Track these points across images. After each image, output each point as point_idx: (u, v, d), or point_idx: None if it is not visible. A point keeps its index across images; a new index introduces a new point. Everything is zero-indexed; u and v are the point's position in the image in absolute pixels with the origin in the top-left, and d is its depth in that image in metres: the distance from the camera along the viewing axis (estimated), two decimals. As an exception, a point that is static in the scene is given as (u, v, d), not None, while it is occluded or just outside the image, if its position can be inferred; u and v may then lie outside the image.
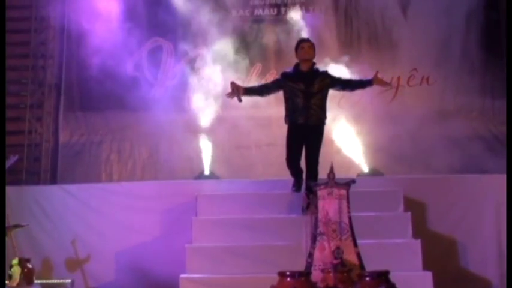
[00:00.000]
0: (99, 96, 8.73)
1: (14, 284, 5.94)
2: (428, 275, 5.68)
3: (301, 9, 8.68)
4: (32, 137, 8.81)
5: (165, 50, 8.95)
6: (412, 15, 8.88)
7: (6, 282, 5.95)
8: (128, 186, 7.42)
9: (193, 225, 6.34)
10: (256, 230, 6.19)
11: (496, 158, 7.83)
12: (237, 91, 6.40)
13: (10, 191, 6.67)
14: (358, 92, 7.30)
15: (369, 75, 6.65)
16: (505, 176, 5.83)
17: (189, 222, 6.38)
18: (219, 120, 8.44)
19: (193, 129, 8.38)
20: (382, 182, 7.06)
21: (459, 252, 6.74)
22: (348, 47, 8.80)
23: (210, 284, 5.82)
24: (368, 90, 7.21)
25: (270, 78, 8.22)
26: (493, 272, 6.64)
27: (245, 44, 8.77)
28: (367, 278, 4.45)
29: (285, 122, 6.49)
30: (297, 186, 6.47)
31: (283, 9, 8.65)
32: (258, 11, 9.02)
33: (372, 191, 6.64)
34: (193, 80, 8.56)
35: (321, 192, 5.16)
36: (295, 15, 8.54)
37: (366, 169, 8.02)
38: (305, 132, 6.34)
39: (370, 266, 4.92)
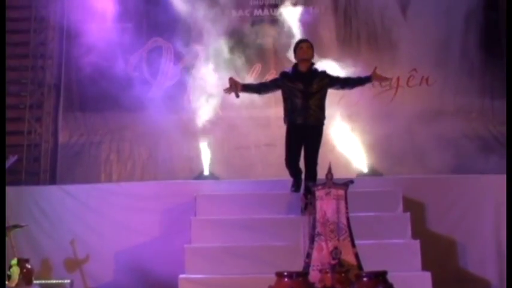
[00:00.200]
0: (98, 97, 8.71)
1: (13, 284, 5.91)
2: (427, 275, 5.68)
3: (301, 9, 8.66)
4: (32, 137, 8.81)
5: (165, 50, 8.94)
6: (412, 16, 8.87)
7: (6, 282, 5.94)
8: (127, 187, 7.41)
9: (192, 226, 6.33)
10: (255, 231, 6.17)
11: (496, 158, 7.82)
12: (235, 87, 6.40)
13: (9, 191, 6.63)
14: (358, 93, 7.28)
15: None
16: (504, 176, 5.80)
17: (188, 223, 6.37)
18: (218, 121, 8.45)
19: (193, 130, 8.37)
20: (382, 182, 7.05)
21: (458, 252, 6.72)
22: (348, 47, 8.80)
23: (209, 284, 5.81)
24: (368, 90, 7.23)
25: (269, 78, 8.17)
26: (493, 272, 6.63)
27: (244, 44, 8.74)
28: (365, 279, 4.46)
29: (284, 122, 6.49)
30: (296, 186, 6.48)
31: (282, 9, 8.62)
32: (257, 11, 9.01)
33: (371, 191, 6.63)
34: (192, 81, 8.56)
35: (319, 193, 5.16)
36: (294, 15, 8.52)
37: (365, 169, 8.02)
38: (304, 133, 6.34)
39: (369, 267, 4.91)
